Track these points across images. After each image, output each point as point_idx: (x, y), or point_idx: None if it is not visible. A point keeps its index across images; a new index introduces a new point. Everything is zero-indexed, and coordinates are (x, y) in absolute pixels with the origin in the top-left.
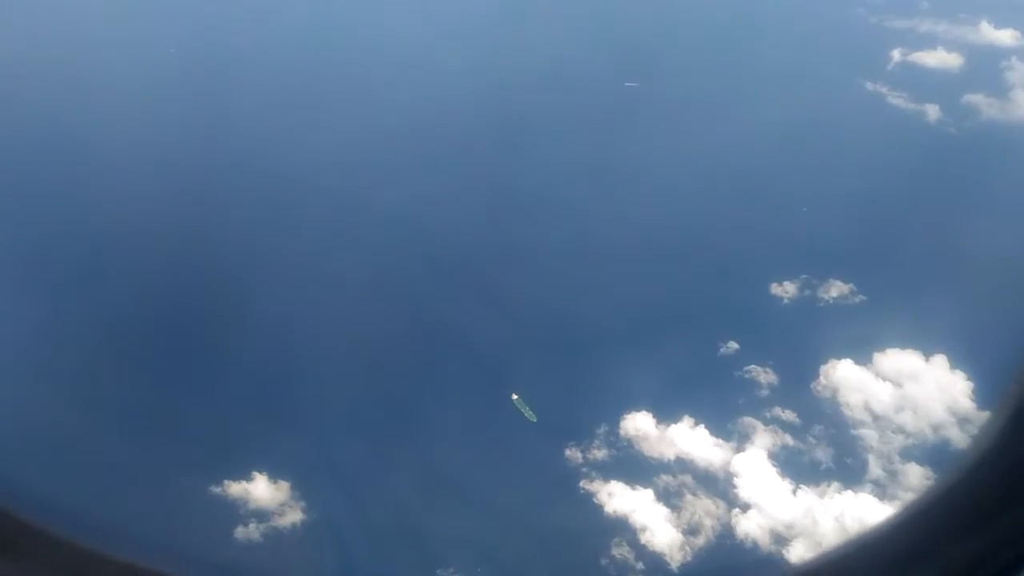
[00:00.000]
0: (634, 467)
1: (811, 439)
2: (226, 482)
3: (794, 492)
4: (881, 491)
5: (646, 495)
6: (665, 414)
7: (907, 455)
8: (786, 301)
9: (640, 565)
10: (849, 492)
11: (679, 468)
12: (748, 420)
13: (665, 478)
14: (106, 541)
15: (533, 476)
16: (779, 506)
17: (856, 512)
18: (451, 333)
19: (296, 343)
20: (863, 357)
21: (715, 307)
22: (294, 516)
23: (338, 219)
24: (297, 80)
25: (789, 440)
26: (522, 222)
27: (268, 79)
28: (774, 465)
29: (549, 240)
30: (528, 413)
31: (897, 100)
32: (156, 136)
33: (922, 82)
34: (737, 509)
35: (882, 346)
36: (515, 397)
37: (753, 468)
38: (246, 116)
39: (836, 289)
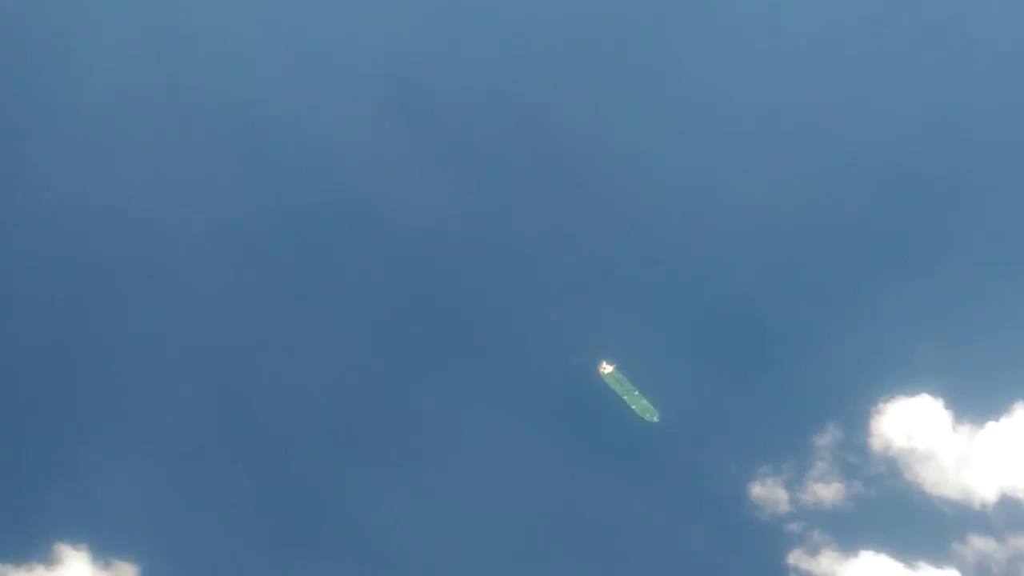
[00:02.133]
0: (907, 517)
1: None
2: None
3: None
4: None
5: None
6: (968, 401)
7: None
8: None
9: None
10: None
11: (1010, 519)
12: None
13: (979, 543)
14: None
15: (674, 541)
16: None
17: None
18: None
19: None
20: None
21: None
22: None
23: None
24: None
25: None
26: None
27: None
28: None
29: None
30: (638, 403)
31: None
32: None
33: None
34: None
35: None
36: (607, 370)
37: None
38: None
39: None
